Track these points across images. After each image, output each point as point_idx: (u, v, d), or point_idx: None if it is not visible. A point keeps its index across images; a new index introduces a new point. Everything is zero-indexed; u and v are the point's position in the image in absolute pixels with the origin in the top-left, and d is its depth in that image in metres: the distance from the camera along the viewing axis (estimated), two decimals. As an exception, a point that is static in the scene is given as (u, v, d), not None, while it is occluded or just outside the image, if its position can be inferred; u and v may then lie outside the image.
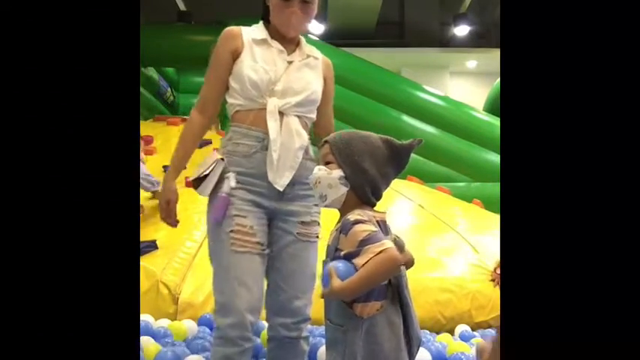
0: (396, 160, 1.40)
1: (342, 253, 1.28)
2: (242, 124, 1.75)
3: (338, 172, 1.36)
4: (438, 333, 2.97)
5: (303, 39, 1.87)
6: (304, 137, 1.79)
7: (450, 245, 3.76)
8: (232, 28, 1.81)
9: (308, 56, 1.84)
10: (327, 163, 1.39)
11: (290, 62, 1.79)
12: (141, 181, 3.97)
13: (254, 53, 1.76)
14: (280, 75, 1.75)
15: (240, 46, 1.77)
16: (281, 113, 1.74)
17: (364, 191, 1.36)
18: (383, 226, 1.33)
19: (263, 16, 1.85)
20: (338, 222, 1.37)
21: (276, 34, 1.81)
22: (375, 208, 1.38)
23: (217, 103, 1.83)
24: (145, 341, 2.37)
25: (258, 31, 1.82)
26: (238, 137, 1.74)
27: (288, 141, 1.72)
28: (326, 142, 1.42)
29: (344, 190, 1.35)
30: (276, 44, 1.79)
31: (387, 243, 1.24)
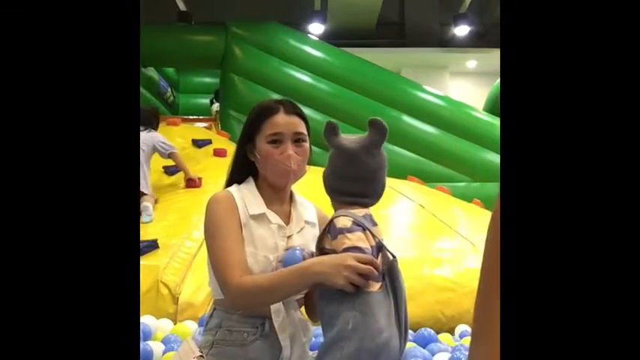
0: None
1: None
2: (235, 309, 1.47)
3: None
4: (438, 332, 2.98)
5: (295, 193, 1.62)
6: (310, 329, 1.55)
7: (451, 245, 3.77)
8: (225, 196, 1.52)
9: (306, 222, 1.57)
10: None
11: (289, 237, 1.52)
12: (159, 145, 4.40)
13: (253, 235, 1.48)
14: (281, 259, 1.48)
15: (239, 220, 1.49)
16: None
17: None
18: (369, 219, 1.39)
19: (235, 173, 1.60)
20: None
21: (267, 189, 1.56)
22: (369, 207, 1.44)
23: (245, 257, 1.46)
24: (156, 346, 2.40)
25: (253, 197, 1.53)
26: (230, 323, 1.46)
27: (294, 335, 1.47)
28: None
29: None
30: (275, 218, 1.52)
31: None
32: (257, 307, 1.44)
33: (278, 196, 1.56)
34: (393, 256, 1.37)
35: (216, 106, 7.61)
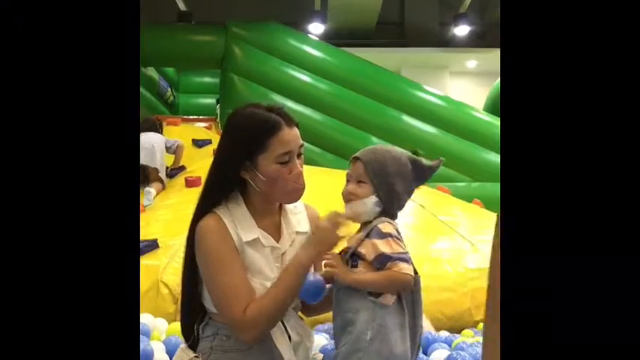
0: (421, 179, 1.47)
1: (362, 256, 1.35)
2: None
3: (372, 199, 1.38)
4: (437, 331, 2.98)
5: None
6: (312, 334, 1.51)
7: (450, 245, 3.77)
8: (215, 223, 1.40)
9: (297, 233, 1.49)
10: (359, 182, 1.39)
11: (283, 254, 1.45)
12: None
13: (248, 262, 1.40)
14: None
15: (235, 248, 1.40)
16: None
17: (392, 209, 1.42)
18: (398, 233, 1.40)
19: (219, 191, 1.46)
20: (360, 229, 1.41)
21: (259, 204, 1.46)
22: None
23: (250, 286, 1.38)
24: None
25: (243, 220, 1.42)
26: (228, 332, 1.41)
27: (299, 343, 1.43)
28: (358, 159, 1.40)
29: (377, 211, 1.39)
30: (268, 240, 1.43)
31: (411, 269, 1.33)
32: (272, 328, 1.38)
33: (269, 208, 1.48)
34: (416, 272, 1.37)
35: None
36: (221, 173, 1.46)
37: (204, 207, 1.44)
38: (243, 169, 1.42)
